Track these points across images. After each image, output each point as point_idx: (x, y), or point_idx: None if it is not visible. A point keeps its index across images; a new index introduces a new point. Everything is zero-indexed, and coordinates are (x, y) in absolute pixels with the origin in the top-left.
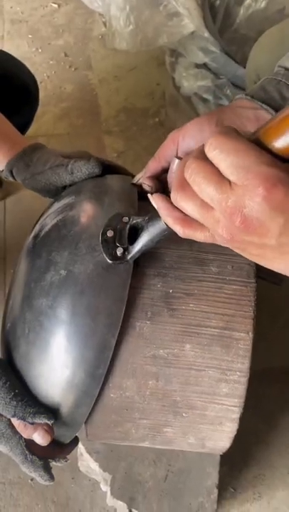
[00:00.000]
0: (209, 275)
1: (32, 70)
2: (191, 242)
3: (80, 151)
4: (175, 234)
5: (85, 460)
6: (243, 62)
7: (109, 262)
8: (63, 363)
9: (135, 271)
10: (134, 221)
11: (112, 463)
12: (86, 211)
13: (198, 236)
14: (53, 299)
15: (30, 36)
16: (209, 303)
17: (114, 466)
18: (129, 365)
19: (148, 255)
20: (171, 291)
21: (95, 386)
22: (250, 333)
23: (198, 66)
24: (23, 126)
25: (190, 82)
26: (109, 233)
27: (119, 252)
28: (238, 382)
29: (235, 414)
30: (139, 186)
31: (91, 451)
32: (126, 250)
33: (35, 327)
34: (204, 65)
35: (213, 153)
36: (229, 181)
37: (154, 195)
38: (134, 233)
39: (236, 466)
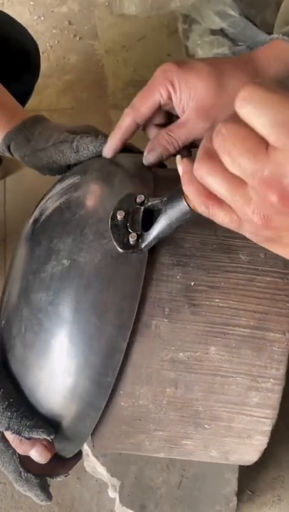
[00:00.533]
0: (238, 265)
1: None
2: (216, 225)
3: (86, 125)
4: (199, 217)
5: (91, 462)
6: (263, 27)
7: (120, 250)
8: (65, 368)
9: (150, 259)
10: (150, 203)
11: (121, 467)
12: (93, 192)
13: (223, 218)
14: (53, 293)
15: (31, 3)
16: (238, 298)
17: (123, 471)
18: (143, 370)
19: (165, 241)
20: (192, 283)
21: (102, 397)
22: (286, 334)
23: (213, 33)
24: (22, 97)
25: (205, 51)
26: (120, 217)
27: (131, 239)
28: (271, 391)
29: (267, 426)
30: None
31: (98, 454)
32: (140, 237)
33: (33, 326)
34: (221, 31)
35: (246, 110)
36: (267, 146)
37: (184, 158)
38: (150, 217)
39: (254, 467)
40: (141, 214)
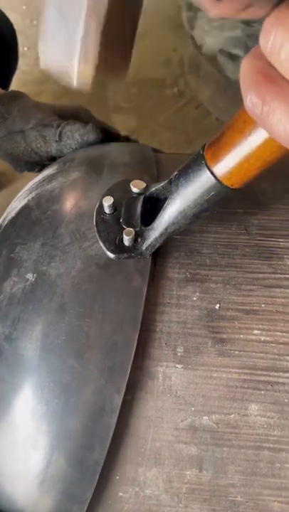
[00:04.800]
0: (284, 275)
1: (26, 44)
2: (247, 219)
3: (79, 107)
4: (227, 194)
5: None
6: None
7: (111, 255)
8: (28, 438)
9: (152, 273)
10: (153, 189)
11: None
12: (72, 181)
13: (284, 118)
14: (11, 323)
15: (24, 7)
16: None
17: None
18: (148, 444)
19: (174, 246)
20: (217, 306)
21: (87, 484)
22: None
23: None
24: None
25: (214, 38)
26: (110, 209)
27: (127, 237)
28: None
29: None
30: None
31: None
32: (139, 236)
33: None
34: None
35: None
36: None
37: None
38: (152, 211)
39: None
40: (140, 205)
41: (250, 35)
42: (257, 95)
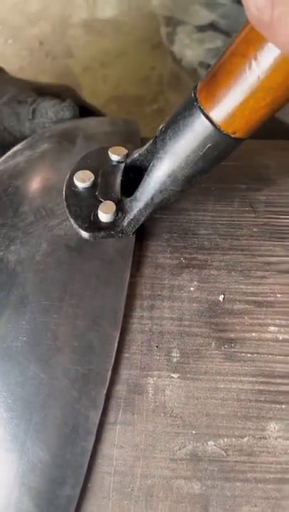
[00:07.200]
0: None
1: (1, 63)
2: (251, 195)
3: (62, 85)
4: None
5: None
6: None
7: (84, 234)
8: None
9: (137, 257)
10: (136, 154)
11: None
12: (41, 153)
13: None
14: None
15: None
16: None
17: None
18: (137, 482)
19: (162, 226)
20: (221, 298)
21: None
22: None
23: (202, 29)
24: None
25: (195, 50)
26: (82, 182)
27: (104, 212)
28: None
29: None
30: None
31: None
32: (119, 210)
33: None
34: (210, 26)
35: None
36: None
37: None
38: (136, 182)
39: None
40: (120, 174)
41: None
42: None
